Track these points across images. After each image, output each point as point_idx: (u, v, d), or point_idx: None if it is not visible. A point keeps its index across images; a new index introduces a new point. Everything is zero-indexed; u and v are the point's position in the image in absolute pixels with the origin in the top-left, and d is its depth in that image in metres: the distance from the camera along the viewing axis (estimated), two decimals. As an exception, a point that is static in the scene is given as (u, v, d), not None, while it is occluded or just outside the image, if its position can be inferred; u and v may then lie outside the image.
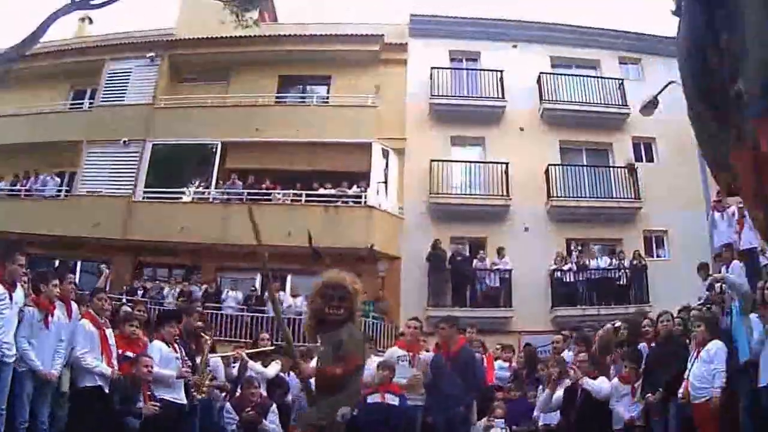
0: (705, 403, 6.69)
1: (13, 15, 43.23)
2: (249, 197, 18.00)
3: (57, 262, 17.44)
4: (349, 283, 4.47)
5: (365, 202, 17.82)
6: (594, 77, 20.70)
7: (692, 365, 6.98)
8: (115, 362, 6.89)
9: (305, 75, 21.16)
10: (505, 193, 18.42)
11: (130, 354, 7.10)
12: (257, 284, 17.58)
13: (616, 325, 9.32)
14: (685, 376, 6.98)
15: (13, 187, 19.86)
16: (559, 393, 7.85)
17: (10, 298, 6.26)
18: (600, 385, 7.55)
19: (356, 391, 4.58)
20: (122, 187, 19.16)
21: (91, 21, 24.36)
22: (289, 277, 17.67)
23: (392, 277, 17.64)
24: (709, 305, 8.86)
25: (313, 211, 17.74)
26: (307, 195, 18.23)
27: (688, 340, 7.57)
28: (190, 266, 18.21)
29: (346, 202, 17.98)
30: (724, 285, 8.71)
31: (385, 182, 18.74)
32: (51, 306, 6.62)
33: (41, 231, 17.48)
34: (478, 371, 8.21)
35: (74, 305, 7.23)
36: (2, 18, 43.72)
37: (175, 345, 7.39)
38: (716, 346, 6.87)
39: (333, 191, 18.20)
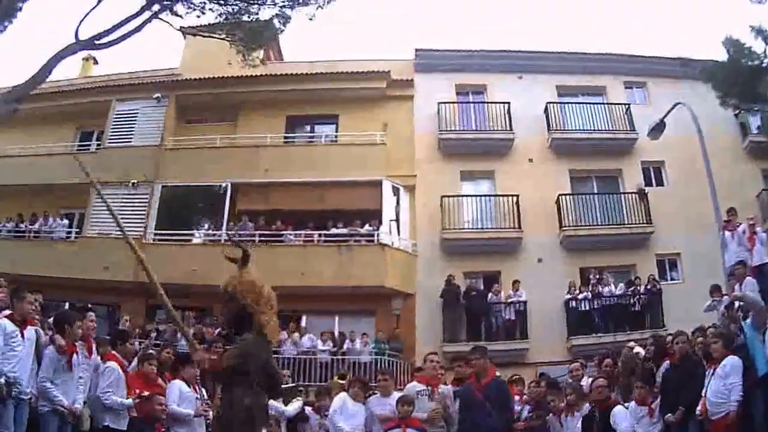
0: (723, 418, 6.92)
1: (18, 54, 43.69)
2: (261, 238, 18.31)
3: (67, 305, 17.56)
4: (229, 284, 4.91)
5: (378, 240, 18.18)
6: (601, 104, 21.19)
7: (709, 382, 7.24)
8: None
9: (312, 114, 21.60)
10: (516, 226, 18.79)
11: (145, 393, 7.41)
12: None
13: (630, 345, 9.57)
14: (703, 394, 7.22)
15: (19, 229, 20.12)
16: (578, 421, 8.05)
17: (22, 336, 6.43)
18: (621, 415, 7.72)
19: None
20: (132, 229, 19.22)
21: (96, 61, 24.72)
22: (304, 318, 17.91)
23: (407, 314, 17.98)
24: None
25: (325, 251, 18.11)
26: (320, 235, 18.59)
27: (704, 361, 7.83)
28: (203, 308, 18.26)
29: (359, 241, 18.30)
30: (741, 302, 8.99)
31: (397, 219, 19.09)
32: (73, 348, 6.84)
33: (50, 273, 17.55)
34: (510, 401, 8.22)
35: (94, 344, 7.52)
36: (7, 57, 44.17)
37: (196, 386, 7.71)
38: (731, 361, 7.12)
39: (345, 230, 18.54)
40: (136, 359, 7.98)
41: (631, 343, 9.70)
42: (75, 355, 6.79)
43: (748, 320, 7.91)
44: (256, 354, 4.69)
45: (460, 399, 7.55)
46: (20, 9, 17.72)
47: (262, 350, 4.76)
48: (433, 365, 8.17)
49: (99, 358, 7.47)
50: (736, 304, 9.53)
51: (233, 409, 4.54)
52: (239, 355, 4.65)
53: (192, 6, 19.13)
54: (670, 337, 8.91)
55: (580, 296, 17.73)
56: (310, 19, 19.06)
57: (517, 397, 11.23)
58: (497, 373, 8.35)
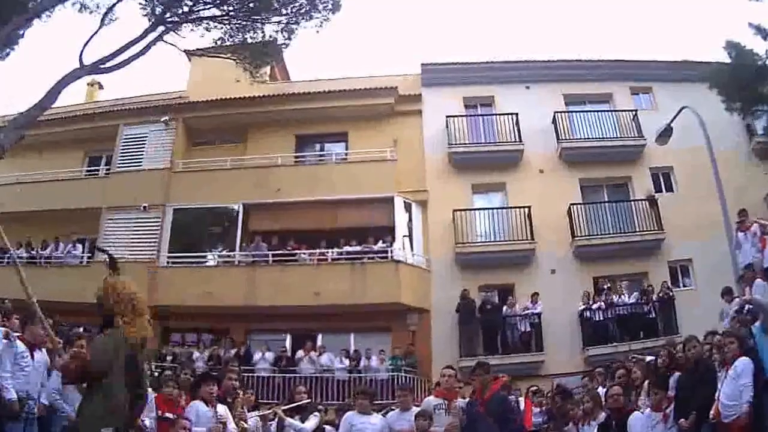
0: (735, 420, 7.01)
1: (24, 80, 44.05)
2: (274, 258, 18.59)
3: (81, 329, 17.66)
4: (99, 289, 5.05)
5: (391, 256, 18.48)
6: (608, 111, 21.50)
7: (722, 384, 7.32)
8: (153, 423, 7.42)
9: (321, 133, 21.93)
10: (529, 237, 19.04)
11: (169, 415, 7.53)
12: (287, 344, 18.25)
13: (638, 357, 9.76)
14: (716, 397, 7.31)
15: (30, 254, 20.34)
16: (594, 429, 8.33)
17: (32, 356, 6.77)
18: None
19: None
20: (145, 252, 19.74)
21: (101, 86, 25.05)
22: (319, 336, 18.18)
23: (423, 329, 18.29)
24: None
25: (339, 269, 18.38)
26: (333, 253, 18.87)
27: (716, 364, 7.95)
28: (218, 330, 18.61)
29: (372, 258, 18.57)
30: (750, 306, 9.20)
31: (410, 235, 19.36)
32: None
33: (63, 298, 17.24)
34: (512, 414, 8.26)
35: None
36: (12, 84, 44.62)
37: (213, 403, 7.63)
38: (743, 362, 7.20)
39: (358, 248, 18.81)
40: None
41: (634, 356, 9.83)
42: None
43: (757, 323, 8.06)
44: (109, 353, 4.71)
45: (466, 414, 7.70)
46: (22, 36, 18.17)
47: (119, 349, 4.73)
48: (446, 379, 8.27)
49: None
50: (746, 307, 9.70)
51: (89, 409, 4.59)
52: (94, 358, 4.72)
53: (196, 26, 19.57)
54: (680, 347, 8.98)
55: (594, 306, 17.92)
56: (317, 32, 19.52)
57: (537, 409, 11.47)
58: (501, 387, 8.51)
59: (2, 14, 16.52)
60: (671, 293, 17.77)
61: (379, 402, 14.06)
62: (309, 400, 9.64)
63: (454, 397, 8.09)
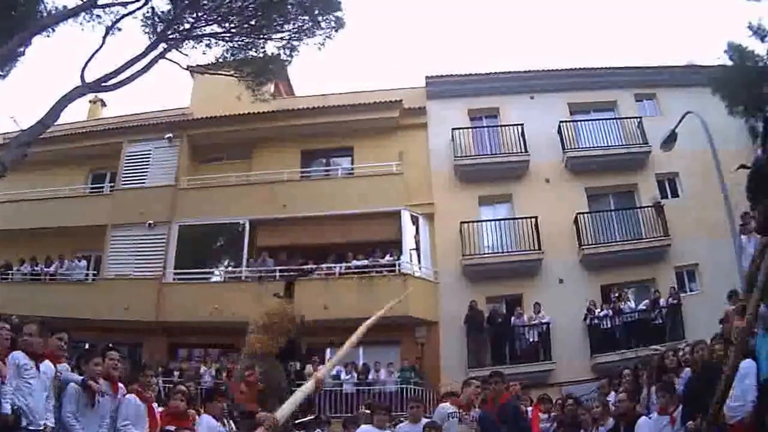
0: (739, 422, 7.12)
1: (27, 98, 44.44)
2: (281, 274, 18.95)
3: (87, 345, 17.93)
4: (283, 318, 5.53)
5: (399, 270, 18.92)
6: (612, 119, 21.89)
7: None
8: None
9: (327, 147, 22.29)
10: (536, 247, 19.40)
11: (170, 428, 7.61)
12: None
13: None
14: None
15: (35, 272, 20.83)
16: None
17: (37, 368, 6.71)
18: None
19: None
20: (151, 269, 20.16)
21: (104, 104, 25.52)
22: (328, 351, 18.46)
23: (432, 341, 18.71)
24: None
25: (348, 283, 18.76)
26: (341, 268, 19.27)
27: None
28: (225, 345, 18.66)
29: (381, 272, 18.95)
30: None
31: (417, 248, 19.74)
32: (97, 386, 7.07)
33: (69, 315, 17.81)
34: (524, 422, 8.72)
35: (120, 384, 7.63)
36: (15, 102, 45.12)
37: (224, 419, 8.04)
38: (746, 364, 7.17)
39: (366, 262, 19.21)
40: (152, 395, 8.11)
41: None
42: (98, 394, 7.01)
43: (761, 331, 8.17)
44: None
45: (479, 424, 8.10)
46: (23, 53, 18.59)
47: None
48: (473, 389, 8.67)
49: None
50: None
51: None
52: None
53: (198, 43, 20.03)
54: (687, 348, 9.25)
55: (601, 313, 18.32)
56: (319, 49, 19.93)
57: (544, 416, 11.89)
58: (512, 396, 9.02)
59: (3, 31, 16.91)
60: (679, 299, 18.08)
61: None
62: (314, 416, 10.01)
63: (468, 407, 8.43)
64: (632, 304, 18.75)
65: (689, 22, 62.73)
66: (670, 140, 16.11)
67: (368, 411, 10.92)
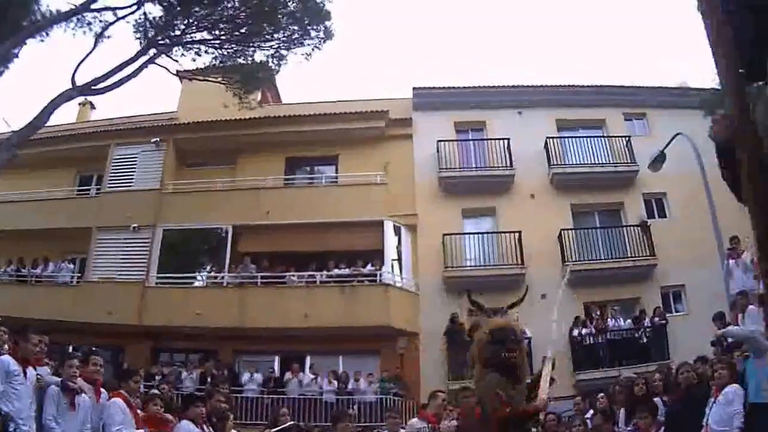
0: None
1: (16, 100, 44.79)
2: (263, 280, 19.36)
3: (71, 348, 18.09)
4: (516, 327, 5.09)
5: (380, 280, 19.13)
6: (600, 137, 22.14)
7: (711, 410, 7.65)
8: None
9: (312, 156, 22.57)
10: (519, 262, 19.54)
11: None
12: (276, 366, 18.85)
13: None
14: (704, 422, 7.65)
15: (20, 273, 21.03)
16: None
17: (25, 375, 6.86)
18: None
19: None
20: (135, 273, 20.36)
21: (93, 106, 25.90)
22: (307, 358, 18.85)
23: (411, 352, 18.86)
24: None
25: (329, 291, 18.99)
26: (322, 276, 19.48)
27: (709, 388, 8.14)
28: (207, 350, 19.12)
29: (362, 281, 19.17)
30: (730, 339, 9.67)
31: (399, 259, 19.98)
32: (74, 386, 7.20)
33: (54, 317, 18.00)
34: None
35: (103, 389, 7.75)
36: (5, 103, 45.55)
37: (204, 426, 8.06)
38: (733, 389, 7.54)
39: (348, 271, 19.40)
40: (139, 401, 8.19)
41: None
42: (78, 396, 7.13)
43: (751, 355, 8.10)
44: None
45: None
46: (17, 56, 18.84)
47: None
48: (439, 402, 8.91)
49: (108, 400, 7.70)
50: (726, 341, 10.17)
51: None
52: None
53: (187, 50, 20.43)
54: (658, 376, 9.51)
55: (585, 331, 18.46)
56: (307, 59, 20.30)
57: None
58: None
59: (-2, 33, 17.20)
60: (666, 319, 18.27)
61: (367, 424, 14.86)
62: (292, 423, 9.86)
63: (439, 420, 8.57)
64: (619, 322, 18.89)
65: (682, 43, 63.46)
66: (658, 161, 16.32)
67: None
